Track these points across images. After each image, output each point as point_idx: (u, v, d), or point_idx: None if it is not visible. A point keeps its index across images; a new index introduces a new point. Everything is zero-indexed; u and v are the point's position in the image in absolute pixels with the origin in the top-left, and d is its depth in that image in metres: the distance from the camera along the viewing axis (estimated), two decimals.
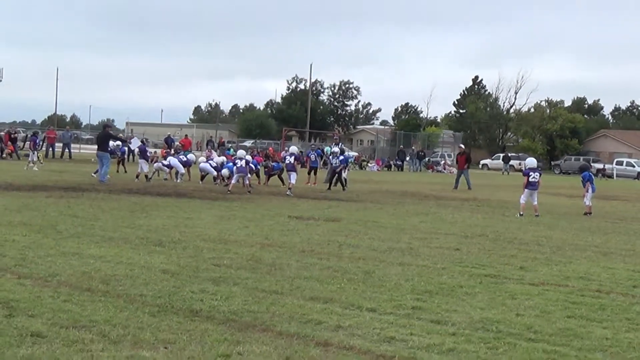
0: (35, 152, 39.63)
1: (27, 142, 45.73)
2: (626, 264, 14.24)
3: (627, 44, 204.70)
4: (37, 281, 9.92)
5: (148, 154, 35.22)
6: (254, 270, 11.57)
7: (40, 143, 47.03)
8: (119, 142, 40.98)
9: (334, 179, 33.38)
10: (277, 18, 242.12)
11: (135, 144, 35.52)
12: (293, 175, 29.69)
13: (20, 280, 9.94)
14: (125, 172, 38.18)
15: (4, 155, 48.82)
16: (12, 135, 52.90)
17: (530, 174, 24.30)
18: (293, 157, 30.69)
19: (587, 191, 25.74)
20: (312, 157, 38.62)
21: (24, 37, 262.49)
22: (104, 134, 32.63)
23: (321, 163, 48.83)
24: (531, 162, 25.86)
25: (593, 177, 27.03)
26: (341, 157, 33.95)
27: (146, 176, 32.16)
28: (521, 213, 23.46)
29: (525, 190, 24.16)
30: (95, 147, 33.62)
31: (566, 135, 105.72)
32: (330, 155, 36.00)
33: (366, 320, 8.63)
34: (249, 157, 31.73)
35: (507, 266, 13.21)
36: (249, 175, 29.52)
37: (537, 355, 7.59)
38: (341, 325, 8.33)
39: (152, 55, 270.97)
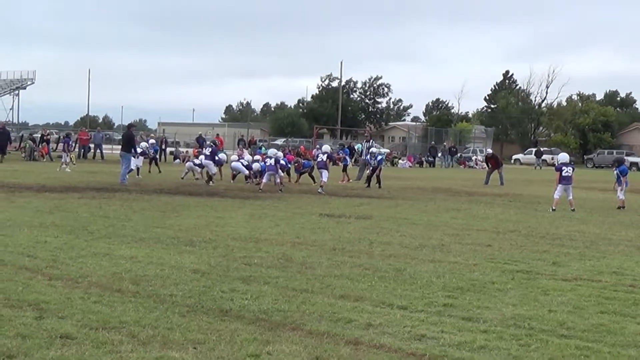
0: (68, 154, 39.89)
1: (61, 144, 45.95)
2: None
3: None
4: (68, 282, 9.95)
5: (181, 154, 35.27)
6: (284, 269, 11.55)
7: (73, 144, 47.30)
8: (152, 141, 41.00)
9: (372, 176, 33.36)
10: (308, 16, 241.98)
11: (139, 162, 34.78)
12: (325, 173, 29.63)
13: (51, 281, 9.97)
14: (160, 172, 38.25)
15: (37, 157, 49.16)
16: (45, 137, 53.30)
17: (563, 168, 24.20)
18: (326, 156, 30.69)
19: (621, 185, 25.47)
20: (341, 155, 38.72)
21: (56, 37, 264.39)
22: (128, 134, 32.63)
23: (352, 160, 48.77)
24: (563, 157, 25.66)
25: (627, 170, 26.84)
26: (379, 158, 34.00)
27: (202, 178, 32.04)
28: (553, 208, 23.32)
29: (559, 185, 24.06)
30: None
31: (598, 129, 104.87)
32: (368, 154, 35.87)
33: (397, 318, 8.57)
34: (280, 154, 31.69)
35: (539, 262, 13.11)
36: (281, 173, 29.52)
37: (570, 351, 7.50)
38: (372, 324, 8.28)
39: (183, 55, 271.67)
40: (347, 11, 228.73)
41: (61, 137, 53.20)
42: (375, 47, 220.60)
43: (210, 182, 31.25)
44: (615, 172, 25.97)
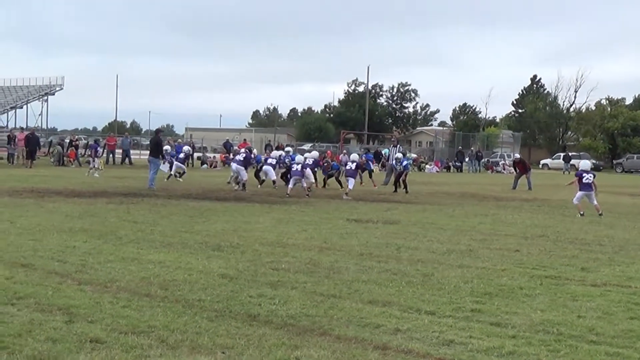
0: (97, 159, 40.12)
1: (89, 150, 46.25)
2: None
3: None
4: (97, 287, 10.00)
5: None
6: (312, 274, 11.55)
7: (101, 150, 47.63)
8: (167, 147, 41.09)
9: (398, 181, 33.35)
10: (334, 21, 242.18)
11: (166, 168, 34.60)
12: (351, 181, 29.63)
13: (80, 286, 10.02)
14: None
15: (66, 162, 49.50)
16: (74, 143, 53.67)
17: (584, 175, 24.10)
18: (355, 165, 30.71)
19: None
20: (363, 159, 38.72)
21: (85, 43, 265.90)
22: (155, 139, 32.71)
23: (379, 165, 48.78)
24: (584, 164, 25.66)
25: None
26: (405, 163, 34.00)
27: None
28: (581, 213, 23.13)
29: (579, 192, 23.92)
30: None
31: (628, 133, 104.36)
32: (394, 160, 35.84)
33: (425, 324, 8.56)
34: (311, 159, 31.48)
35: (568, 267, 13.04)
36: (310, 179, 29.59)
37: (599, 357, 7.46)
38: (400, 329, 8.27)
39: (210, 61, 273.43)
40: (374, 16, 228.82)
41: (89, 143, 53.56)
42: (401, 51, 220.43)
43: (240, 187, 30.92)
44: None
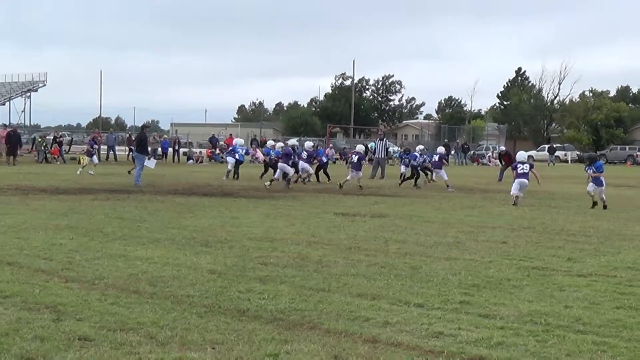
0: (94, 156, 40.05)
1: (87, 146, 45.99)
2: None
3: None
4: (84, 284, 9.97)
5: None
6: (300, 268, 11.56)
7: (98, 146, 47.46)
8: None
9: (415, 178, 33.26)
10: (321, 15, 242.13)
11: (152, 164, 33.88)
12: (354, 173, 30.36)
13: (67, 284, 9.99)
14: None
15: (50, 159, 49.23)
16: (58, 139, 53.46)
17: (519, 165, 25.01)
18: (357, 157, 30.87)
19: (601, 185, 23.82)
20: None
21: (67, 38, 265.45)
22: (141, 135, 32.59)
23: (367, 159, 48.87)
24: (521, 155, 26.53)
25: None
26: (423, 157, 34.18)
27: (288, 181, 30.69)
28: (514, 202, 23.97)
29: (515, 181, 24.78)
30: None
31: (611, 124, 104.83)
32: (406, 157, 35.77)
33: (414, 316, 8.58)
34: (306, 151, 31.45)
35: (554, 258, 13.10)
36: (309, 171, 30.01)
37: (587, 347, 7.50)
38: (389, 322, 8.29)
39: (195, 55, 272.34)
40: (360, 10, 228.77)
41: (73, 139, 53.30)
42: (387, 45, 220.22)
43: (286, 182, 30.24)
44: (588, 170, 24.27)
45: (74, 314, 8.32)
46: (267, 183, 29.66)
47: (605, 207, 23.19)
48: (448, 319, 8.49)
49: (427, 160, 34.22)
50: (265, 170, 34.81)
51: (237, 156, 34.93)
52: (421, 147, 36.59)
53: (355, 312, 8.68)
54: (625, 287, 10.64)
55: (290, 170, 30.68)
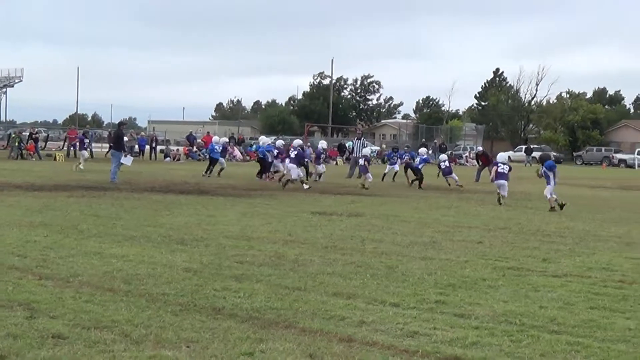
0: (84, 152, 40.05)
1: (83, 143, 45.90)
2: None
3: None
4: (59, 282, 9.91)
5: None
6: (276, 266, 11.55)
7: (88, 142, 47.36)
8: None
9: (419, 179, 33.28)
10: (300, 14, 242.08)
11: (128, 161, 33.38)
12: (368, 175, 31.20)
13: (41, 281, 9.93)
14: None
15: (25, 156, 48.94)
16: (34, 135, 53.17)
17: (500, 164, 25.38)
18: (364, 160, 31.16)
19: (550, 183, 23.40)
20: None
21: (44, 34, 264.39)
22: (117, 132, 32.41)
23: (343, 158, 48.89)
24: (501, 156, 26.94)
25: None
26: (424, 157, 34.47)
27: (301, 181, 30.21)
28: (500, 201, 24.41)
29: (496, 181, 25.10)
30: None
31: (587, 126, 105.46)
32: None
33: (389, 315, 8.59)
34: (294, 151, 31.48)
35: (530, 258, 13.16)
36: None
37: (561, 347, 7.53)
38: (364, 321, 8.29)
39: (173, 52, 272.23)
40: (339, 9, 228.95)
41: (49, 135, 53.07)
42: (366, 44, 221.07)
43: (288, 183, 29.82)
44: (542, 170, 23.87)
45: (48, 312, 8.27)
46: (306, 186, 29.27)
47: (552, 208, 22.74)
48: (423, 319, 8.50)
49: (428, 161, 34.81)
50: (261, 168, 34.74)
51: (212, 154, 35.03)
52: (424, 149, 36.98)
53: (330, 311, 8.67)
54: (600, 287, 10.70)
55: (296, 173, 30.09)
